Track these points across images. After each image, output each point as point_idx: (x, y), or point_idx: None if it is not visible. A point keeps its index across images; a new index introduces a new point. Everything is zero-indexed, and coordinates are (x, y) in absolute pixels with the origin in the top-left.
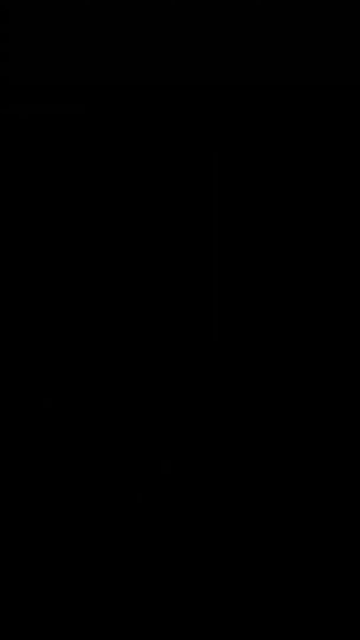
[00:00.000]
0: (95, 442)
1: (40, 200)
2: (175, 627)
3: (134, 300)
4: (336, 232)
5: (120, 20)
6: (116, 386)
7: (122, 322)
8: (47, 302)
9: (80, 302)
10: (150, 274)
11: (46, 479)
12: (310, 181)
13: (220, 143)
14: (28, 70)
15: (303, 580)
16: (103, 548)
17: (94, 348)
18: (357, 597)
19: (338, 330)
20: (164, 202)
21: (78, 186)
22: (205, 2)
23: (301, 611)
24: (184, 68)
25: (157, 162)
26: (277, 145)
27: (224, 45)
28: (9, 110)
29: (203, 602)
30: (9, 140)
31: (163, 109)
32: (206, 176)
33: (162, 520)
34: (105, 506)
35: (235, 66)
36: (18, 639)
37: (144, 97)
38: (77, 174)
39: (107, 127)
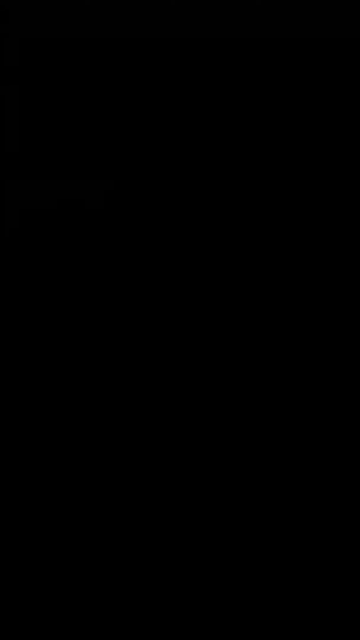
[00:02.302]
0: (95, 441)
1: None
2: (175, 627)
3: (134, 298)
4: (335, 229)
5: None
6: (116, 386)
7: (122, 321)
8: (47, 301)
9: (81, 302)
10: (150, 273)
11: (46, 479)
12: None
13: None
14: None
15: (303, 580)
16: (102, 548)
17: (94, 347)
18: (358, 597)
19: (337, 329)
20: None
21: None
22: None
23: (301, 611)
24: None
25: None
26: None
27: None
28: None
29: (203, 602)
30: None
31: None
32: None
33: (162, 520)
34: (105, 506)
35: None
36: (18, 638)
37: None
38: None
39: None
